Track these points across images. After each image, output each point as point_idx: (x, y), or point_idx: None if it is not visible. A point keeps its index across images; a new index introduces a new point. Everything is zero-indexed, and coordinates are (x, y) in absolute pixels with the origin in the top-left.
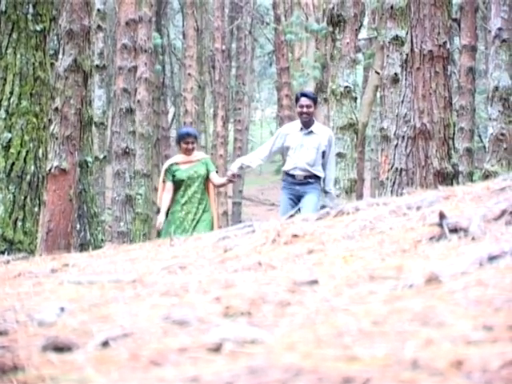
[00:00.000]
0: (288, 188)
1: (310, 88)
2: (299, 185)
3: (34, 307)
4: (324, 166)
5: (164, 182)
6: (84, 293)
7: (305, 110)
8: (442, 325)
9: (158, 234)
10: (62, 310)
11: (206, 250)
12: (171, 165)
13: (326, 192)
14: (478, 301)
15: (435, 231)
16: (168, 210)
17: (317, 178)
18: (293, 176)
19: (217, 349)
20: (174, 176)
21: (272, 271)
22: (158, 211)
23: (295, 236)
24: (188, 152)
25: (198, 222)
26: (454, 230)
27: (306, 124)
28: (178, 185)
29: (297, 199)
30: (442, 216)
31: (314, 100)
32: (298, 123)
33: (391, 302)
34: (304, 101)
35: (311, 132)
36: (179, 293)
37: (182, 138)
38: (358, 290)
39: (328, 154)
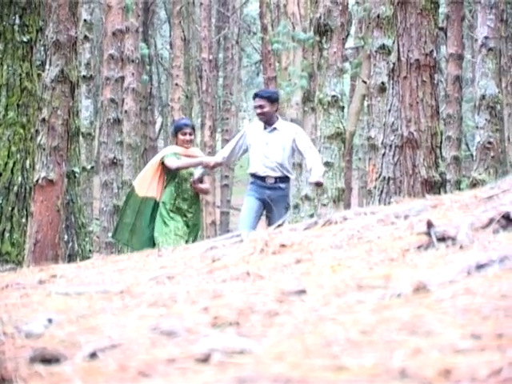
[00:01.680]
0: (256, 191)
1: (297, 97)
2: (269, 189)
3: (21, 319)
4: (304, 154)
5: (165, 157)
6: (72, 304)
7: (258, 110)
8: (430, 334)
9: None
10: (50, 321)
11: (193, 260)
12: (174, 153)
13: (311, 169)
14: (466, 309)
15: (423, 240)
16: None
17: (287, 180)
18: (263, 179)
19: (205, 359)
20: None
21: (260, 281)
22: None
23: (283, 246)
24: (186, 144)
25: (189, 226)
26: (442, 239)
27: (268, 122)
28: (172, 175)
29: (263, 204)
30: (429, 225)
31: (268, 99)
32: (259, 124)
33: (379, 311)
34: (256, 101)
35: (275, 129)
36: (167, 303)
37: (180, 128)
38: (346, 299)
39: (302, 144)
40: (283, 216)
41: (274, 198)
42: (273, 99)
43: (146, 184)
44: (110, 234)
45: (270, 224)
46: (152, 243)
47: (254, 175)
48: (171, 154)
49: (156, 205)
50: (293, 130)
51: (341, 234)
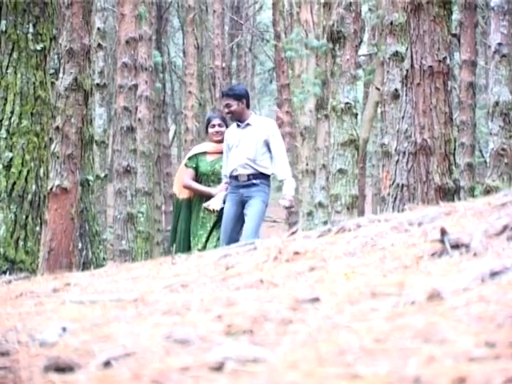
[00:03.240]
0: (232, 193)
1: (310, 105)
2: (243, 187)
3: (35, 327)
4: (274, 158)
5: (186, 166)
6: (86, 312)
7: (226, 110)
8: (444, 341)
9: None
10: (64, 329)
11: (207, 268)
12: (197, 154)
13: (282, 183)
14: (480, 317)
15: (437, 247)
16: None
17: (262, 177)
18: (236, 178)
19: (219, 368)
20: (197, 166)
21: (274, 289)
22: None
23: (297, 253)
24: (216, 136)
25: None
26: (456, 246)
27: (239, 120)
28: (199, 179)
29: (241, 205)
30: (443, 232)
31: (234, 96)
32: (234, 124)
33: (393, 319)
34: (223, 100)
35: (248, 125)
36: (181, 311)
37: (209, 121)
38: (360, 307)
39: (273, 145)
40: (257, 211)
41: (248, 194)
42: (239, 96)
43: (179, 185)
44: (123, 242)
45: (246, 218)
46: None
47: (230, 176)
48: (191, 163)
49: (191, 204)
50: (267, 128)
51: (354, 241)
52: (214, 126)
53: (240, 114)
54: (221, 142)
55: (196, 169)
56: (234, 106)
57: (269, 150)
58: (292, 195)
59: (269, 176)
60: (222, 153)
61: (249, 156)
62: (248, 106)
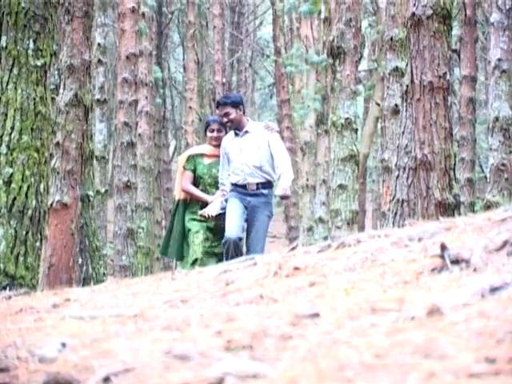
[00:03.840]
0: (238, 197)
1: (310, 120)
2: (251, 196)
3: (35, 343)
4: (275, 160)
5: (184, 169)
6: (85, 328)
7: (225, 119)
8: (444, 357)
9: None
10: (64, 345)
11: (207, 284)
12: (195, 155)
13: (279, 176)
14: (480, 333)
15: (437, 263)
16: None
17: (269, 185)
18: (243, 186)
19: (219, 383)
20: (194, 169)
21: (274, 304)
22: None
23: (297, 268)
24: (214, 141)
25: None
26: (456, 262)
27: (237, 128)
28: (196, 181)
29: (247, 208)
30: (443, 247)
31: (232, 104)
32: (231, 132)
33: (393, 335)
34: (221, 109)
35: (246, 132)
36: (181, 327)
37: (207, 125)
38: (360, 322)
39: (274, 149)
40: (265, 225)
41: (255, 204)
42: (237, 103)
43: (177, 186)
44: (124, 257)
45: (249, 232)
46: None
47: (234, 185)
48: (189, 165)
49: (187, 205)
50: (267, 132)
51: (354, 256)
52: (212, 130)
53: (239, 121)
54: (219, 146)
55: (194, 171)
56: (233, 113)
57: (271, 154)
58: (288, 185)
59: (272, 185)
60: (219, 156)
61: (254, 163)
62: (244, 113)
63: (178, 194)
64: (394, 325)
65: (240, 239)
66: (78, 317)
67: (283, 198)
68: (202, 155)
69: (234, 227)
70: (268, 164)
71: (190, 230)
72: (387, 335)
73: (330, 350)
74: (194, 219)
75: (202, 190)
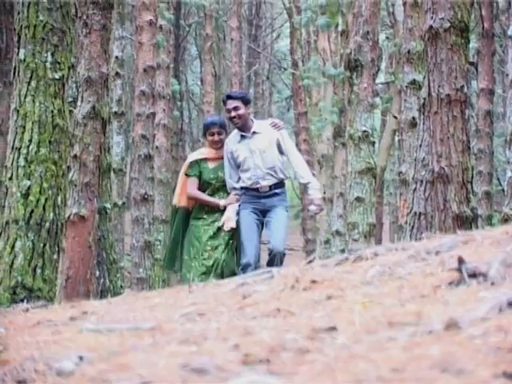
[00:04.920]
0: (250, 202)
1: (327, 133)
2: (265, 197)
3: (52, 356)
4: (290, 161)
5: (187, 175)
6: (103, 341)
7: (233, 113)
8: (461, 372)
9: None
10: (81, 358)
11: (224, 297)
12: (198, 160)
13: (306, 187)
14: (498, 347)
15: (454, 276)
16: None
17: (282, 184)
18: (256, 189)
19: None
20: (200, 174)
21: (291, 318)
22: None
23: (314, 282)
24: (214, 144)
25: (226, 252)
26: (473, 275)
27: (243, 128)
28: (202, 187)
29: (262, 214)
30: (460, 261)
31: (243, 99)
32: (235, 133)
33: (410, 349)
34: (230, 103)
35: (255, 133)
36: (198, 340)
37: (207, 128)
38: (377, 336)
39: (286, 148)
40: (284, 217)
41: (271, 204)
42: (246, 100)
43: (177, 194)
44: (141, 270)
45: (269, 225)
46: (174, 258)
47: (246, 188)
48: (194, 171)
49: (189, 215)
50: (275, 130)
51: (372, 270)
52: (213, 134)
53: (247, 119)
54: (220, 148)
55: (198, 177)
56: (243, 109)
57: (280, 153)
58: (320, 198)
59: (285, 183)
60: (222, 158)
61: (268, 165)
62: (249, 113)
63: (178, 202)
64: (412, 339)
65: (256, 263)
66: (96, 330)
67: (317, 213)
68: (206, 160)
69: (251, 251)
70: (279, 163)
71: (196, 236)
72: (405, 349)
73: (348, 364)
74: (200, 225)
75: (209, 195)
